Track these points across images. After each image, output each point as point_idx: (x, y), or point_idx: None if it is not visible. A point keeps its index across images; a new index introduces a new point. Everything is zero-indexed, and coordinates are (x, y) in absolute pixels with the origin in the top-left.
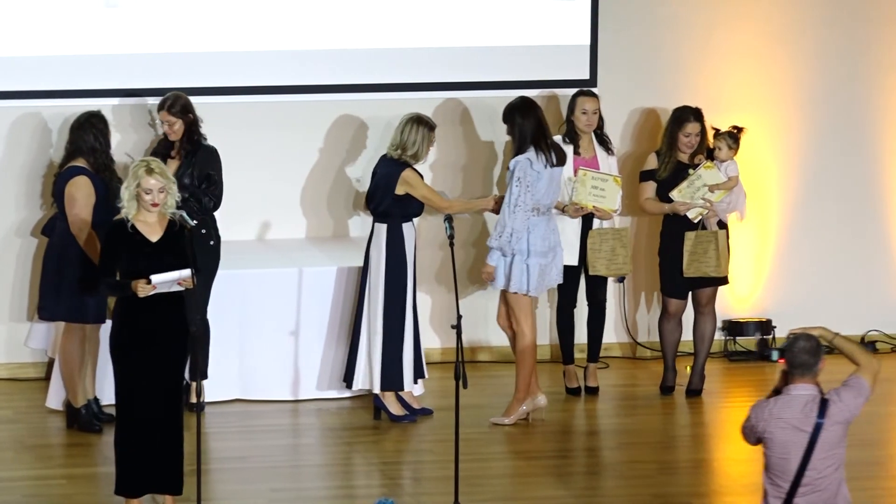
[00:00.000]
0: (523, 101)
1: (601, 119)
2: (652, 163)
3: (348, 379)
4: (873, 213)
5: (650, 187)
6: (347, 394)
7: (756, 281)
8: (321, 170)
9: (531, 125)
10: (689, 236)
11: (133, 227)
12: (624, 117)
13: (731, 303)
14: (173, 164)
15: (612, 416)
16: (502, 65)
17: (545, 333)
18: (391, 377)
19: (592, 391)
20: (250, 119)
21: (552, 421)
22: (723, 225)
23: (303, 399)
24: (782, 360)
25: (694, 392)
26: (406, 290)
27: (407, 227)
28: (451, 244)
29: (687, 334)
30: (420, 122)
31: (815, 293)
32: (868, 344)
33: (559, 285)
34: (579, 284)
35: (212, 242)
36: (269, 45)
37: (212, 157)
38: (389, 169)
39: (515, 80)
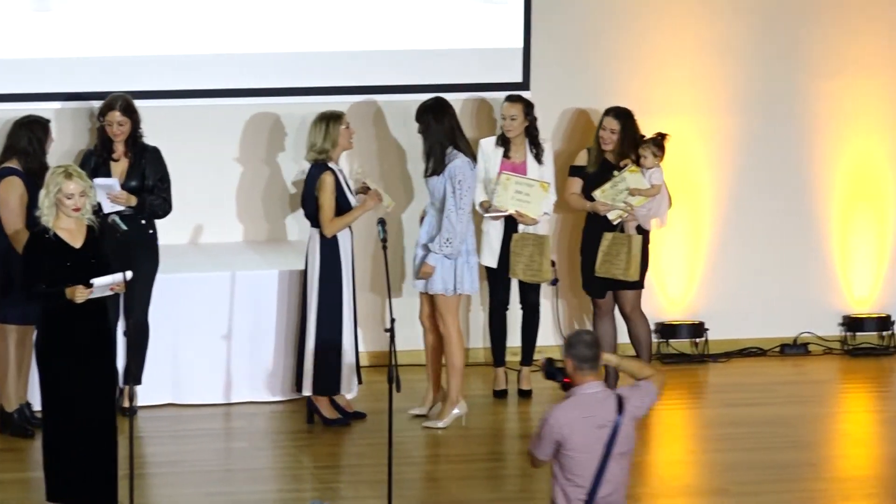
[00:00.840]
0: (438, 101)
1: (535, 127)
2: (582, 159)
3: (298, 384)
4: (805, 215)
5: (576, 183)
6: (281, 397)
7: (689, 283)
8: (255, 172)
9: (447, 126)
10: (607, 237)
11: (55, 234)
12: (556, 118)
13: (664, 305)
14: (118, 167)
15: None
16: (435, 68)
17: (478, 336)
18: (325, 381)
19: (525, 394)
20: (182, 122)
21: (485, 424)
22: (642, 231)
23: (235, 402)
24: (568, 361)
25: None
26: (341, 294)
27: (342, 233)
28: (384, 247)
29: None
30: (321, 119)
31: (747, 295)
32: (800, 346)
33: (491, 288)
34: (510, 286)
35: (158, 242)
36: (204, 49)
37: (160, 157)
38: (314, 172)
39: (448, 84)
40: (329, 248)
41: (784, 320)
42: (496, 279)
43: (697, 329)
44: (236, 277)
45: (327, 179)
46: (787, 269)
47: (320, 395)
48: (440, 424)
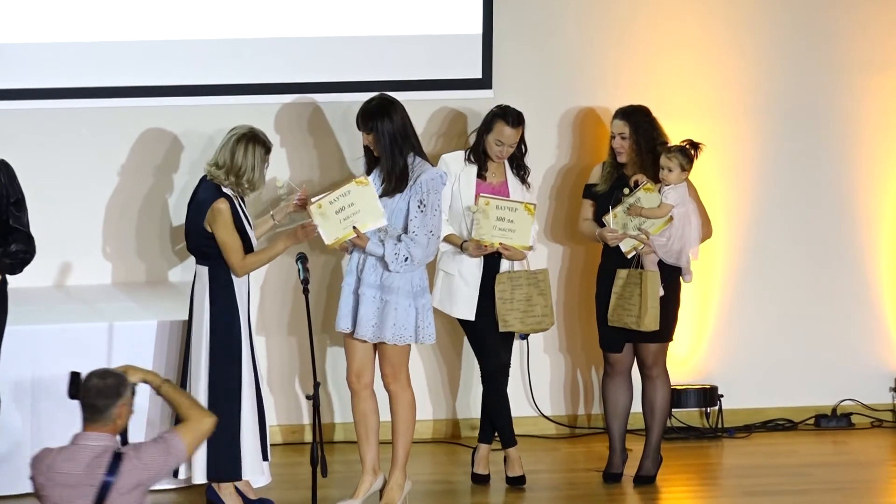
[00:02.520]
0: (384, 100)
1: (524, 145)
2: (595, 176)
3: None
4: (846, 250)
5: (588, 206)
6: (172, 484)
7: (697, 338)
8: (126, 197)
9: (401, 129)
10: (621, 275)
11: None
12: (532, 121)
13: (667, 366)
14: None
15: None
16: (368, 60)
17: (426, 407)
18: (222, 463)
19: (517, 482)
20: (33, 131)
21: None
22: (665, 266)
23: None
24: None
25: (644, 479)
26: (240, 350)
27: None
28: (306, 290)
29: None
30: (256, 141)
31: (772, 353)
32: (841, 417)
33: (481, 348)
34: (499, 342)
35: (7, 286)
36: (58, 36)
37: (11, 173)
38: (206, 195)
39: (385, 81)
40: (223, 291)
41: (820, 385)
42: (483, 334)
43: (709, 396)
44: (114, 330)
45: (221, 208)
46: (823, 320)
47: (218, 480)
48: None
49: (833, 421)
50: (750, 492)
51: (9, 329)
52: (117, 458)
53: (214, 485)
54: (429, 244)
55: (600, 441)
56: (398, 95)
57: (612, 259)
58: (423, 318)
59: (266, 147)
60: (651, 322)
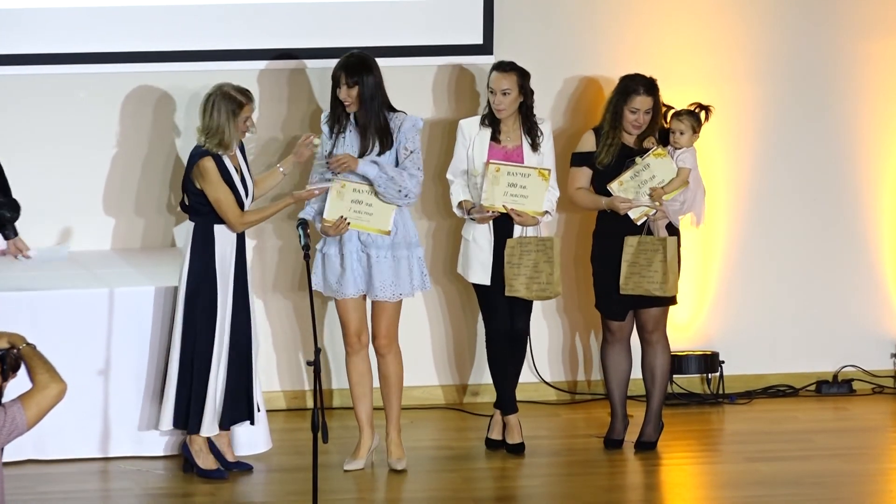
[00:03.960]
0: (366, 54)
1: (530, 105)
2: (588, 144)
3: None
4: (848, 214)
5: (583, 174)
6: (173, 450)
7: (698, 303)
8: (126, 161)
9: (381, 84)
10: (631, 242)
11: None
12: (540, 90)
13: (668, 332)
14: None
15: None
16: (368, 25)
17: (431, 372)
18: (188, 415)
19: (516, 449)
20: (30, 96)
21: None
22: (673, 230)
23: (115, 457)
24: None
25: (646, 445)
26: (214, 308)
27: (221, 230)
28: (306, 255)
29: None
30: (223, 98)
31: (773, 319)
32: (842, 383)
33: (491, 313)
34: (511, 307)
35: None
36: (53, 2)
37: None
38: (194, 152)
39: (385, 46)
40: (202, 250)
41: (821, 351)
42: (493, 299)
43: (710, 362)
44: (115, 296)
45: (207, 166)
46: (825, 286)
47: (181, 429)
48: (403, 465)
49: (834, 387)
50: (751, 458)
51: (8, 295)
52: None
53: (188, 442)
54: (418, 180)
55: (601, 407)
56: (399, 61)
57: (612, 225)
58: (423, 267)
59: (235, 101)
60: (673, 286)
